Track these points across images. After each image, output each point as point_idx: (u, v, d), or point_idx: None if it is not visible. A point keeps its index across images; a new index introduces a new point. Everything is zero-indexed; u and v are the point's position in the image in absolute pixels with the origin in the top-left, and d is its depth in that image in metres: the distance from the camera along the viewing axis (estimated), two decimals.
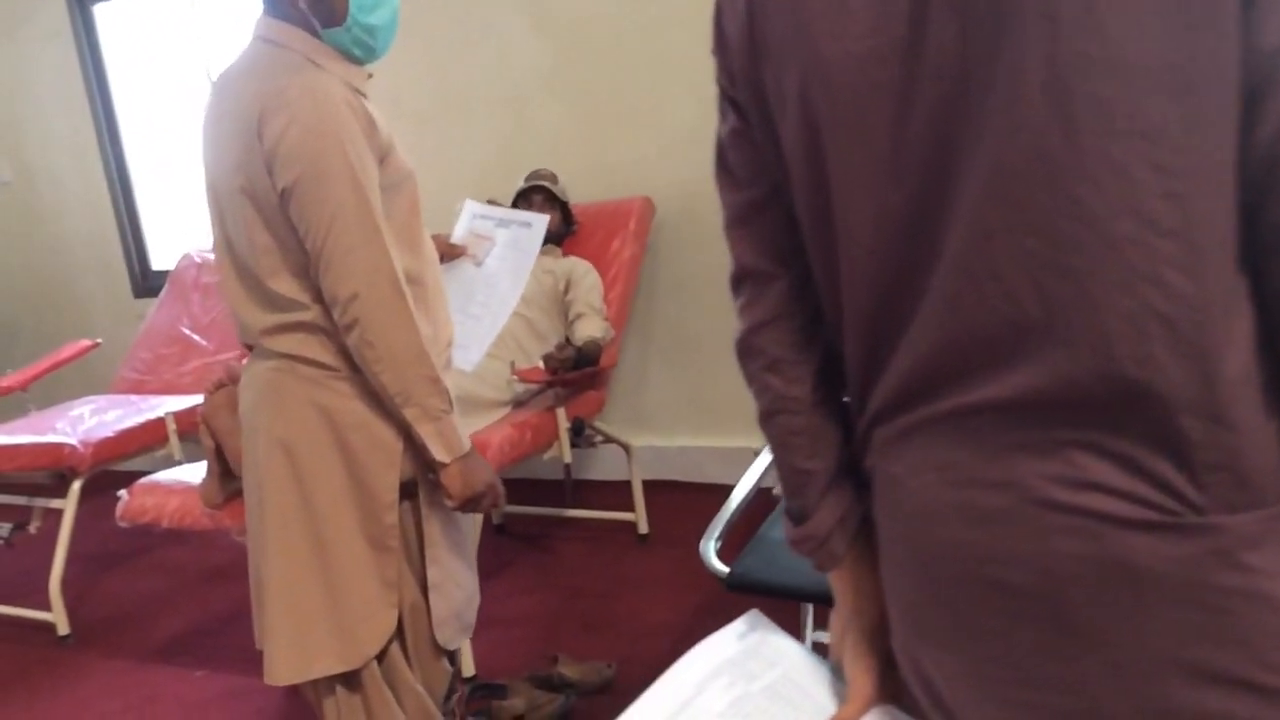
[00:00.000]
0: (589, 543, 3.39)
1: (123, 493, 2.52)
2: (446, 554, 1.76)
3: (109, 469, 3.33)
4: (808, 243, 0.87)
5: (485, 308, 2.52)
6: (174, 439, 3.44)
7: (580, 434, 2.99)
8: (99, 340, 3.90)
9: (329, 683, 1.73)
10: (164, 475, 2.55)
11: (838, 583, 0.97)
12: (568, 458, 2.97)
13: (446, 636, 1.77)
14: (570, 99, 3.60)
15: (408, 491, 1.74)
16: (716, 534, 1.97)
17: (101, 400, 3.72)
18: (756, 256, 0.92)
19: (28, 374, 3.68)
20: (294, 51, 1.63)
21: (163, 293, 4.10)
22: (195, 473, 2.54)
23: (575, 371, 2.95)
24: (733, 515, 2.00)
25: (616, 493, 3.60)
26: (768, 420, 0.95)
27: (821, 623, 2.18)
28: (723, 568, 1.87)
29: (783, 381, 0.93)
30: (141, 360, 3.92)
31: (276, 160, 1.56)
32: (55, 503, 3.24)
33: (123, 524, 2.50)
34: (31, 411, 3.70)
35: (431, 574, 1.74)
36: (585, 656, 2.59)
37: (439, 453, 1.66)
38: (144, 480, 2.53)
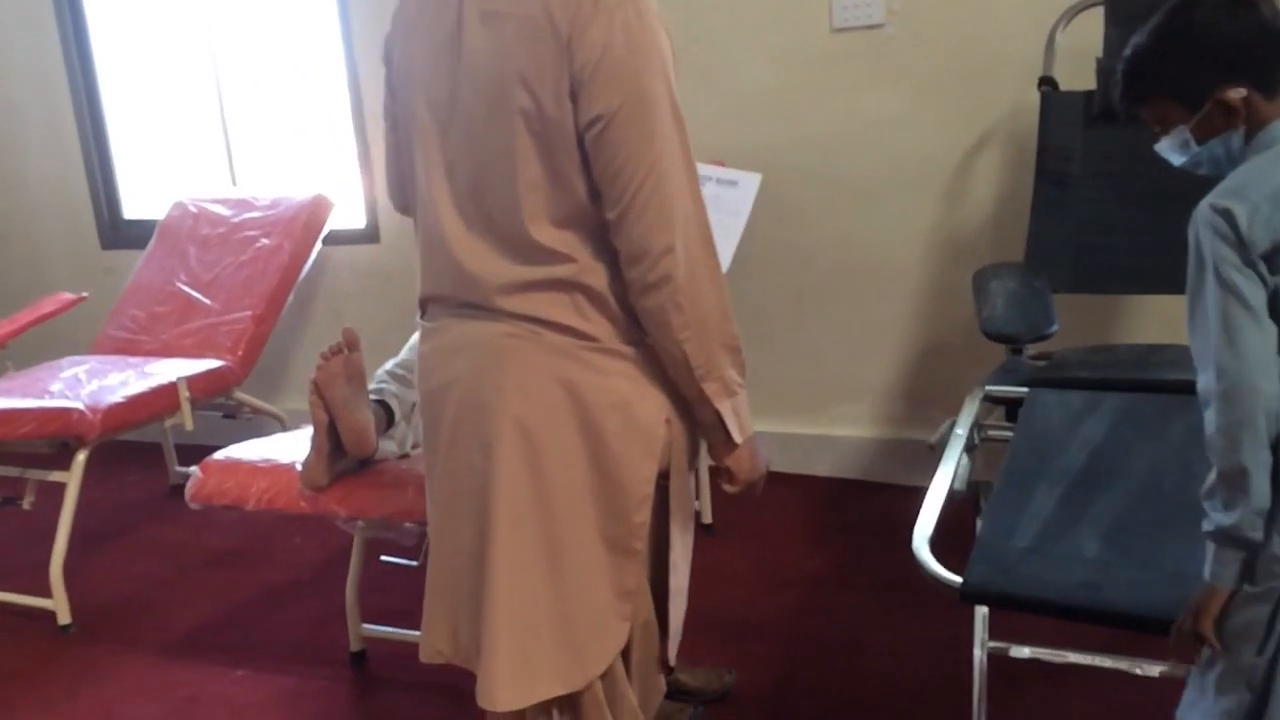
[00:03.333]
0: None
1: (194, 470, 2.20)
2: (682, 558, 1.54)
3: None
4: None
5: None
6: (186, 406, 3.11)
7: None
8: (84, 294, 3.49)
9: (543, 704, 1.48)
10: (241, 450, 2.23)
11: None
12: None
13: (674, 652, 1.54)
14: None
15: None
16: (929, 538, 1.78)
17: (92, 361, 3.33)
18: None
19: (6, 329, 3.28)
20: None
21: (151, 244, 3.71)
22: (278, 448, 2.24)
23: None
24: (937, 518, 1.82)
25: None
26: None
27: (999, 633, 2.02)
28: (950, 576, 1.68)
29: None
30: (132, 318, 3.53)
31: (596, 80, 1.30)
32: (55, 475, 2.87)
33: (194, 506, 2.18)
34: (9, 371, 3.30)
35: (672, 581, 1.51)
36: (695, 660, 2.38)
37: (735, 432, 1.45)
38: (219, 456, 2.22)
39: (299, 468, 2.08)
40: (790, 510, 3.16)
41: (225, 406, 3.43)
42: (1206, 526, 1.31)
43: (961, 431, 1.99)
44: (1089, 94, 2.57)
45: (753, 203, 2.39)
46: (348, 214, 3.74)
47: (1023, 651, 2.00)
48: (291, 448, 2.23)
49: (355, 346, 1.99)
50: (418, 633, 2.57)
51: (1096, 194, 2.51)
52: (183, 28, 3.99)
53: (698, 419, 1.47)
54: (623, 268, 1.38)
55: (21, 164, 4.28)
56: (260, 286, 3.42)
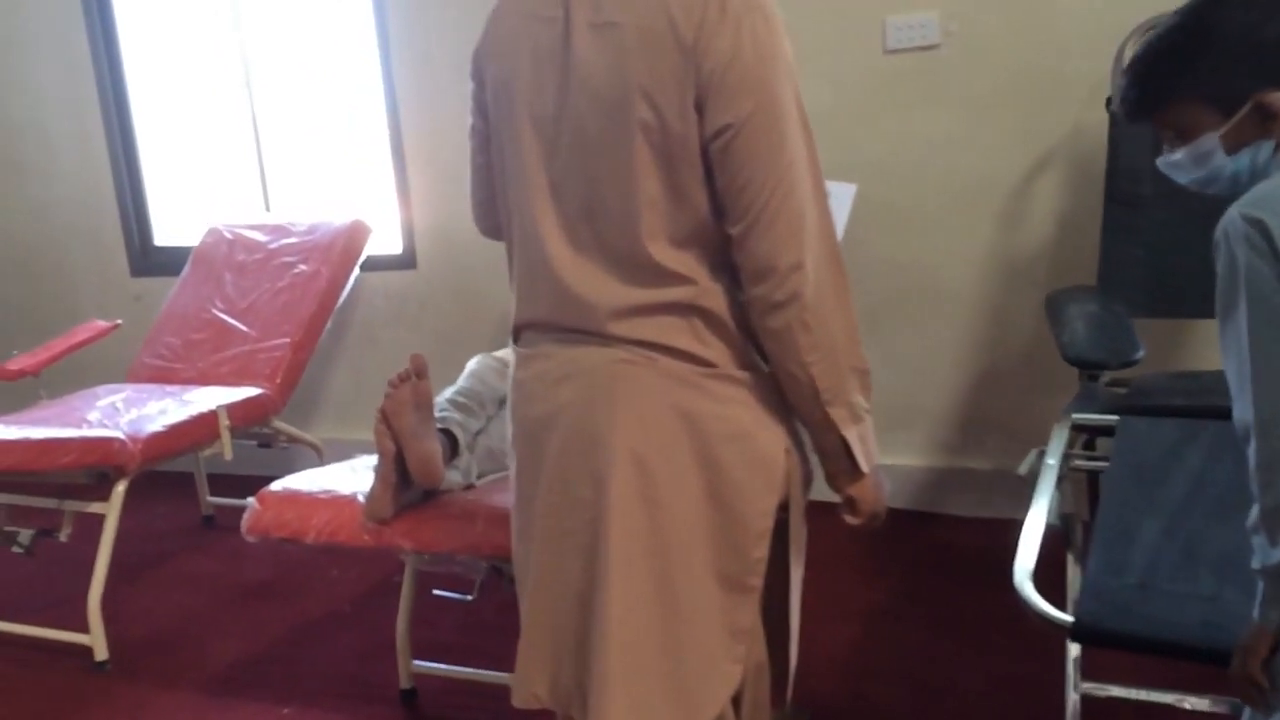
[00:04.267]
0: None
1: (251, 501, 2.12)
2: (797, 596, 1.45)
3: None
4: None
5: None
6: (226, 435, 3.04)
7: None
8: (118, 322, 3.43)
9: None
10: (299, 481, 2.15)
11: None
12: None
13: (788, 696, 1.46)
14: None
15: None
16: (1030, 573, 1.70)
17: (128, 389, 3.26)
18: None
19: (40, 357, 3.22)
20: None
21: (185, 271, 3.65)
22: (335, 479, 2.16)
23: None
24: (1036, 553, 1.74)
25: None
26: None
27: (1092, 673, 1.94)
28: (1059, 614, 1.60)
29: None
30: (167, 346, 3.47)
31: (725, 88, 1.24)
32: (93, 506, 2.80)
33: (250, 539, 2.10)
34: (43, 400, 3.23)
35: (792, 620, 1.43)
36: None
37: (862, 460, 1.37)
38: (276, 487, 2.14)
39: (361, 499, 2.01)
40: (845, 541, 3.07)
41: (260, 435, 3.36)
42: (1254, 564, 1.22)
43: (1053, 462, 1.91)
44: None
45: (849, 214, 2.32)
46: (384, 240, 3.68)
47: (1119, 691, 1.92)
48: (349, 478, 2.15)
49: (424, 374, 1.92)
50: (470, 670, 2.53)
51: (1170, 215, 2.44)
52: (216, 51, 3.95)
53: (818, 447, 1.39)
54: (745, 285, 1.31)
55: (51, 190, 4.23)
56: (298, 313, 3.36)
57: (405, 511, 1.97)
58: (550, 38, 1.32)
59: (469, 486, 2.08)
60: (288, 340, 3.31)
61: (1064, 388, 2.93)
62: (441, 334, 3.75)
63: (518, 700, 1.45)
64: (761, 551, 1.37)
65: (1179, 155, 1.32)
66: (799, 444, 1.41)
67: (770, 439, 1.37)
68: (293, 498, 2.07)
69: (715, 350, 1.34)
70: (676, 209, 1.30)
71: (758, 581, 1.38)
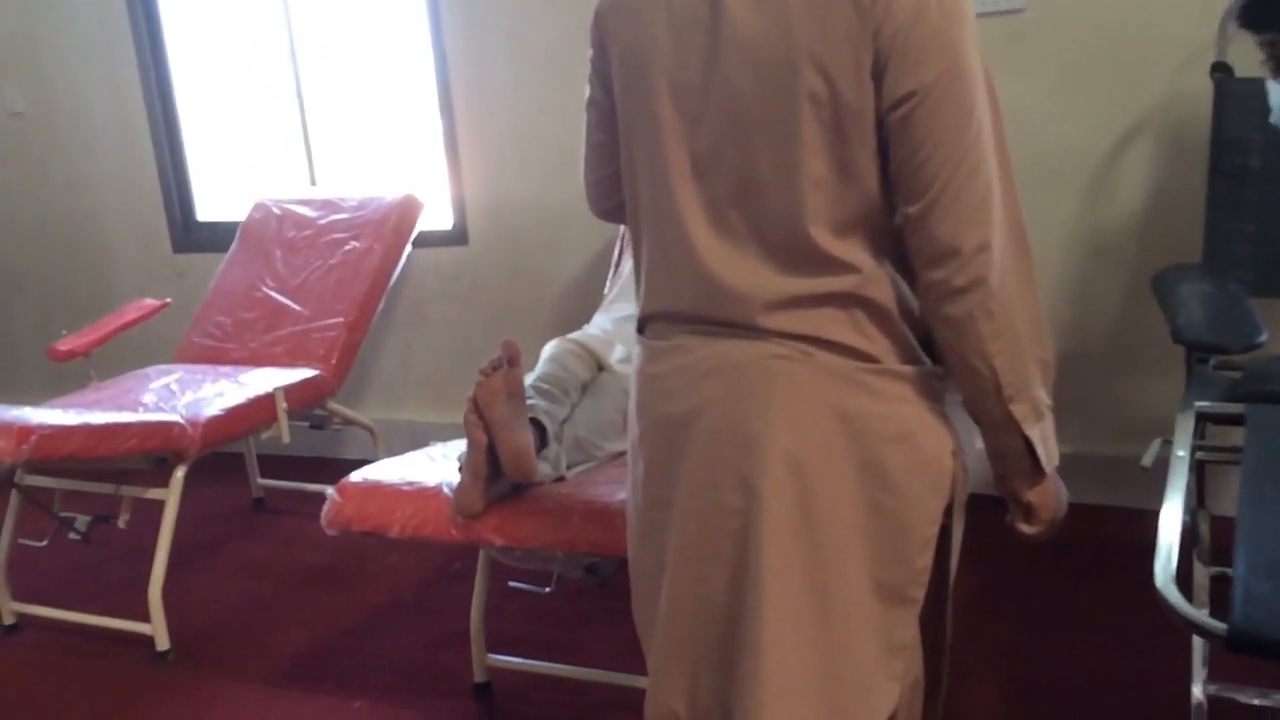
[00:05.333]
0: None
1: (330, 492, 2.03)
2: (950, 609, 1.36)
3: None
4: None
5: None
6: (283, 419, 2.96)
7: None
8: (168, 300, 3.35)
9: None
10: (380, 472, 2.06)
11: None
12: None
13: (940, 712, 1.37)
14: None
15: None
16: (1173, 571, 1.60)
17: (179, 370, 3.18)
18: None
19: (90, 337, 3.14)
20: None
21: (233, 248, 3.56)
22: (417, 468, 2.07)
23: None
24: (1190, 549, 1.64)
25: None
26: None
27: (1218, 674, 1.85)
28: (1212, 622, 1.49)
29: None
30: (217, 325, 3.38)
31: (909, 52, 1.12)
32: (152, 492, 2.72)
33: (331, 531, 2.01)
34: (93, 381, 3.15)
35: (947, 633, 1.33)
36: None
37: (1045, 461, 1.25)
38: (355, 478, 2.05)
39: (447, 491, 1.92)
40: None
41: (313, 417, 3.28)
42: None
43: (1183, 453, 1.80)
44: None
45: None
46: (434, 215, 3.57)
47: (1248, 699, 1.83)
48: (430, 468, 2.06)
49: (516, 361, 1.82)
50: (547, 664, 2.45)
51: None
52: (260, 21, 3.84)
53: (993, 448, 1.28)
54: (920, 270, 1.20)
55: (91, 165, 4.14)
56: (351, 291, 3.26)
57: (494, 505, 1.88)
58: (696, 2, 1.21)
59: (559, 479, 1.99)
60: (341, 320, 3.22)
61: (1151, 370, 2.82)
62: (494, 312, 3.65)
63: (652, 717, 1.36)
64: (925, 560, 1.27)
65: None
66: (962, 445, 1.31)
67: (936, 439, 1.27)
68: (375, 490, 1.98)
69: (878, 344, 1.23)
70: (844, 189, 1.19)
71: (919, 593, 1.28)
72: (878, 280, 1.21)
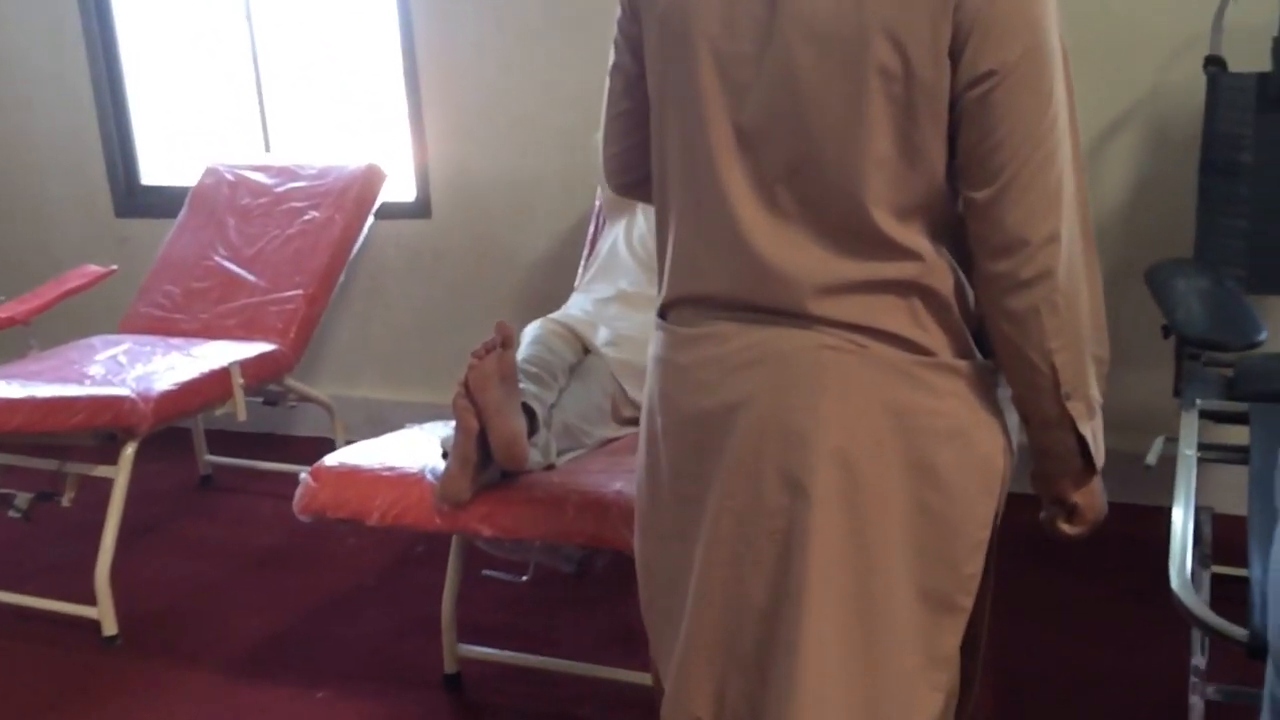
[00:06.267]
0: None
1: (304, 476, 1.92)
2: (989, 612, 1.30)
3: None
4: None
5: None
6: (239, 395, 2.83)
7: None
8: (114, 268, 3.18)
9: None
10: (356, 455, 1.96)
11: None
12: None
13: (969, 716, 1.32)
14: None
15: None
16: (1189, 574, 1.57)
17: (127, 341, 3.03)
18: None
19: (31, 304, 2.98)
20: None
21: (182, 214, 3.40)
22: (397, 452, 1.97)
23: None
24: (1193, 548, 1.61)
25: None
26: None
27: (1218, 674, 1.83)
28: (1232, 628, 1.46)
29: None
30: (165, 294, 3.23)
31: (991, 27, 1.05)
32: (100, 470, 2.58)
33: (304, 519, 1.91)
34: (34, 350, 2.98)
35: (982, 638, 1.27)
36: None
37: (1097, 459, 1.21)
38: (330, 462, 1.94)
39: (430, 477, 1.83)
40: None
41: (267, 393, 3.15)
42: None
43: (1191, 452, 1.78)
44: (1263, 76, 2.36)
45: None
46: (396, 186, 3.44)
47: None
48: (409, 451, 1.97)
49: (510, 343, 1.74)
50: (519, 655, 2.37)
51: (1274, 185, 2.31)
52: None
53: (1043, 446, 1.23)
54: (984, 259, 1.14)
55: (27, 120, 3.92)
56: (311, 263, 3.13)
57: (482, 493, 1.79)
58: None
59: (549, 467, 1.91)
60: (300, 292, 3.09)
61: (1136, 364, 2.81)
62: (457, 289, 3.54)
63: None
64: (976, 566, 1.22)
65: None
66: (1013, 444, 1.26)
67: (989, 438, 1.21)
68: (352, 475, 1.88)
69: (933, 336, 1.17)
70: (909, 171, 1.12)
71: (968, 601, 1.22)
72: (939, 269, 1.15)
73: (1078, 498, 1.25)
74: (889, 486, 1.16)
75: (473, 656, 2.31)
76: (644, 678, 2.19)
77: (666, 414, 1.28)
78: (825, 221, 1.15)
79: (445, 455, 1.85)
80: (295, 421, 3.77)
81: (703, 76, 1.17)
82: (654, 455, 1.32)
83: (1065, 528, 1.28)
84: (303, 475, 1.92)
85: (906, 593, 1.18)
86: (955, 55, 1.07)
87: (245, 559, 2.94)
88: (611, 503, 1.73)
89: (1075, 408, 1.17)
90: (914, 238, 1.14)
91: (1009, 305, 1.13)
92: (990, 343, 1.19)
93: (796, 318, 1.17)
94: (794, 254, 1.15)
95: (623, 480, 1.78)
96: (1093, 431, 1.20)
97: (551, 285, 3.31)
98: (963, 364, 1.19)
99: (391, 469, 1.88)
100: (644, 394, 1.34)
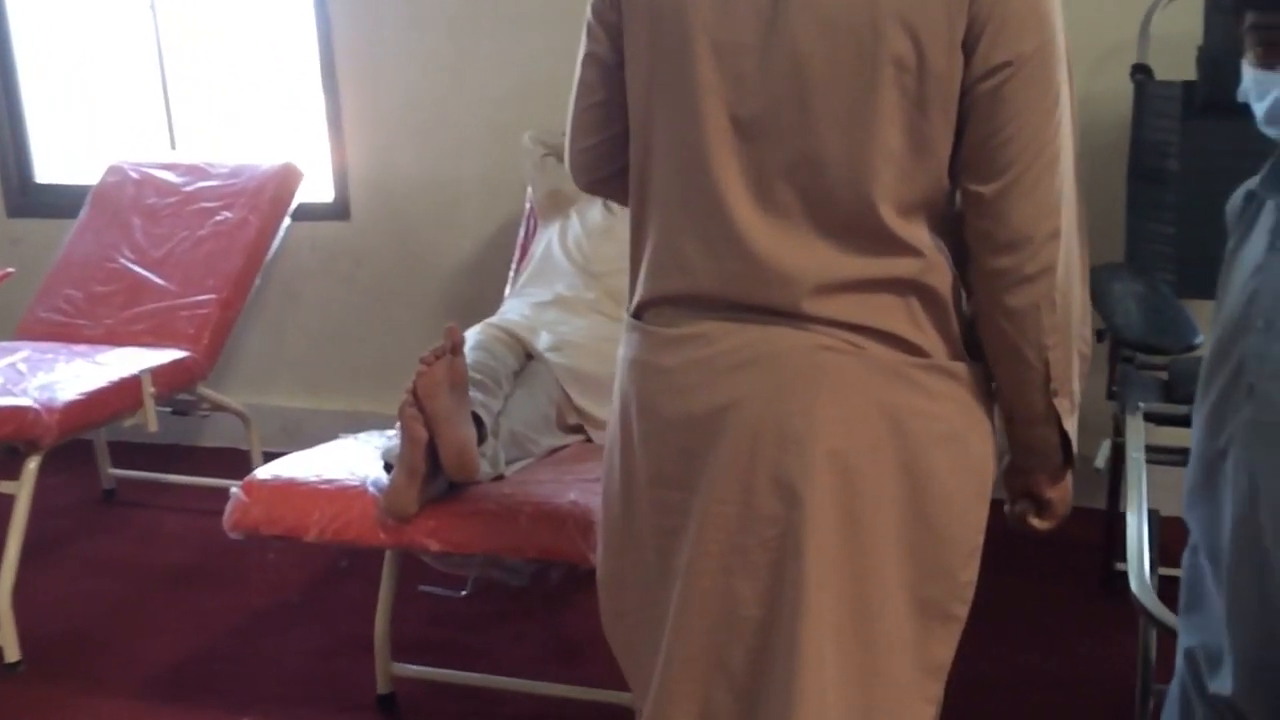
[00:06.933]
0: None
1: (235, 490, 1.82)
2: None
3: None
4: None
5: None
6: (150, 405, 2.69)
7: None
8: (10, 269, 3.00)
9: None
10: (291, 468, 1.85)
11: None
12: None
13: None
14: None
15: None
16: (1147, 575, 1.58)
17: (25, 348, 2.85)
18: None
19: None
20: None
21: (83, 214, 3.23)
22: (333, 463, 1.88)
23: None
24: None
25: None
26: None
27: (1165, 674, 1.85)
28: None
29: None
30: (67, 299, 3.06)
31: (1007, 19, 1.05)
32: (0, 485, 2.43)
33: (235, 535, 1.80)
34: None
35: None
36: None
37: (1071, 454, 1.22)
38: (264, 475, 1.83)
39: (372, 490, 1.75)
40: None
41: (177, 402, 3.00)
42: None
43: (1138, 455, 1.80)
44: (1189, 84, 2.41)
45: None
46: (313, 187, 3.32)
47: None
48: (346, 463, 1.88)
49: (460, 349, 1.67)
50: (457, 672, 2.28)
51: (1199, 190, 2.36)
52: None
53: (1024, 442, 1.23)
54: (986, 256, 1.13)
55: None
56: (224, 266, 3.00)
57: (429, 506, 1.72)
58: None
59: (498, 477, 1.84)
60: (214, 297, 2.95)
61: None
62: (378, 293, 3.43)
63: None
64: (971, 574, 1.21)
65: None
66: (999, 447, 1.25)
67: (982, 441, 1.20)
68: (288, 489, 1.79)
69: (929, 337, 1.15)
70: (916, 165, 1.10)
71: (963, 610, 1.21)
72: (938, 266, 1.14)
73: (1052, 493, 1.27)
74: (885, 492, 1.14)
75: (407, 675, 2.22)
76: (586, 692, 2.16)
77: (646, 418, 1.23)
78: (827, 217, 1.12)
79: (388, 467, 1.77)
80: (203, 432, 3.62)
81: (698, 67, 1.13)
82: (628, 462, 1.26)
83: (1036, 522, 1.30)
84: (234, 490, 1.81)
85: (902, 602, 1.16)
86: (969, 47, 1.06)
87: (156, 577, 2.80)
88: (567, 514, 1.67)
89: (1061, 404, 1.18)
90: (916, 234, 1.12)
91: (1009, 302, 1.13)
92: (981, 341, 1.19)
93: (791, 317, 1.14)
94: (794, 250, 1.12)
95: (576, 491, 1.72)
96: (1072, 428, 1.21)
97: (477, 290, 3.23)
98: (958, 366, 1.18)
99: (330, 482, 1.79)
100: (615, 397, 1.29)
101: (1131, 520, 1.66)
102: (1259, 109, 1.01)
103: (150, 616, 2.61)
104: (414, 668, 2.22)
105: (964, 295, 1.18)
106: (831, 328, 1.13)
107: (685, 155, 1.16)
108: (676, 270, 1.19)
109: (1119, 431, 2.20)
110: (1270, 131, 1.02)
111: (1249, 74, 1.03)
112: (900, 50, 1.05)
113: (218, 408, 3.05)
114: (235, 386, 3.58)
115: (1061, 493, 1.28)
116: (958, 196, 1.15)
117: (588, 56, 1.26)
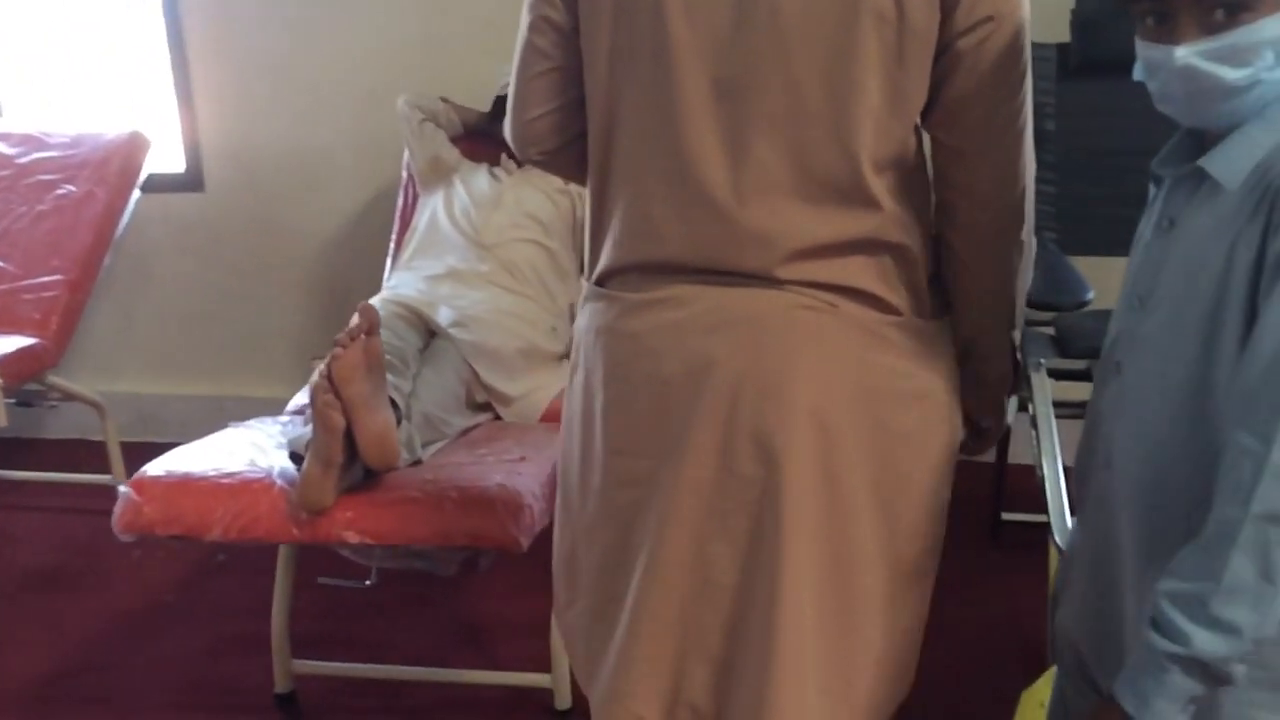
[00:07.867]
0: None
1: (124, 489, 1.66)
2: None
3: None
4: None
5: None
6: None
7: None
8: None
9: None
10: (184, 462, 1.70)
11: None
12: None
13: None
14: None
15: None
16: (1068, 522, 1.63)
17: None
18: None
19: None
20: None
21: None
22: (228, 455, 1.74)
23: None
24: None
25: None
26: None
27: None
28: None
29: None
30: None
31: None
32: None
33: (126, 538, 1.64)
34: None
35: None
36: None
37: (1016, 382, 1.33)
38: (156, 471, 1.67)
39: (279, 482, 1.63)
40: None
41: (22, 393, 2.77)
42: (1167, 646, 0.91)
43: (1046, 410, 1.85)
44: (1063, 46, 2.48)
45: None
46: (162, 156, 3.10)
47: None
48: (242, 455, 1.75)
49: (375, 330, 1.57)
50: (359, 665, 2.17)
51: (1077, 152, 2.44)
52: None
53: (984, 377, 1.27)
54: (965, 209, 1.16)
55: None
56: (70, 244, 2.78)
57: (345, 497, 1.62)
58: None
59: (415, 462, 1.75)
60: (61, 278, 2.73)
61: None
62: (237, 269, 3.23)
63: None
64: (942, 528, 1.23)
65: (1213, 43, 0.94)
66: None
67: (948, 398, 1.22)
68: (184, 485, 1.65)
69: (900, 295, 1.16)
70: (891, 119, 1.10)
71: (934, 565, 1.24)
72: (907, 225, 1.15)
73: (993, 422, 1.33)
74: (862, 450, 1.14)
75: (307, 672, 2.11)
76: (496, 676, 2.10)
77: (612, 386, 1.18)
78: (807, 176, 1.11)
79: (295, 457, 1.66)
80: (48, 424, 3.35)
81: (671, 26, 1.08)
82: (588, 438, 1.22)
83: (972, 446, 1.36)
84: (122, 488, 1.66)
85: (879, 563, 1.17)
86: (948, 2, 1.06)
87: (10, 583, 2.58)
88: (495, 497, 1.60)
89: (1016, 336, 1.26)
90: (890, 190, 1.13)
91: (989, 251, 1.18)
92: (955, 289, 1.22)
93: (764, 280, 1.12)
94: (771, 212, 1.11)
95: (501, 473, 1.65)
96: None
97: (347, 263, 3.09)
98: (926, 324, 1.19)
99: (231, 475, 1.66)
100: (573, 372, 1.24)
101: (1049, 471, 1.71)
102: (1152, 87, 1.02)
103: (5, 628, 2.40)
104: (314, 663, 2.11)
105: (928, 252, 1.20)
106: (806, 288, 1.13)
107: (656, 118, 1.12)
108: (645, 237, 1.16)
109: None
110: (1163, 109, 1.04)
111: (1143, 50, 1.03)
112: (881, 4, 1.05)
113: (69, 397, 2.83)
114: (81, 373, 3.32)
115: (999, 420, 1.34)
116: (928, 152, 1.17)
117: (539, 20, 1.19)
